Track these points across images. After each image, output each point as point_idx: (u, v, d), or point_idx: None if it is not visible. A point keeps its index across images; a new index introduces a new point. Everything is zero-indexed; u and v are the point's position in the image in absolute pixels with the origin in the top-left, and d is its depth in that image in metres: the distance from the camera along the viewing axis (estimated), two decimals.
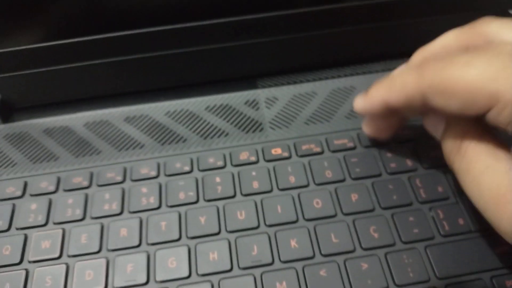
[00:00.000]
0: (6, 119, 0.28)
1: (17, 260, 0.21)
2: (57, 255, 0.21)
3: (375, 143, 0.24)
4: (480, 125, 0.16)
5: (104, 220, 0.22)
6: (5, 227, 0.22)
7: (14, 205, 0.23)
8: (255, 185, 0.23)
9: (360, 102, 0.20)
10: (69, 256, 0.21)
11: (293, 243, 0.21)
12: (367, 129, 0.23)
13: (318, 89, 0.28)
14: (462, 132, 0.16)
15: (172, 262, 0.20)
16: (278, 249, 0.21)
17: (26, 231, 0.22)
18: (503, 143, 0.16)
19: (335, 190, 0.22)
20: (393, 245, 0.21)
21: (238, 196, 0.23)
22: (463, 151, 0.16)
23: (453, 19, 0.21)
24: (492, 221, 0.15)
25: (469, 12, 0.29)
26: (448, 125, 0.17)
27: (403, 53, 0.22)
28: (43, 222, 0.22)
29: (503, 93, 0.13)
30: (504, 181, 0.14)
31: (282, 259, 0.20)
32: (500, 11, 0.31)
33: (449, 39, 0.18)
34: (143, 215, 0.22)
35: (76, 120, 0.27)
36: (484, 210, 0.15)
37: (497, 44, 0.15)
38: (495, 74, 0.14)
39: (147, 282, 0.20)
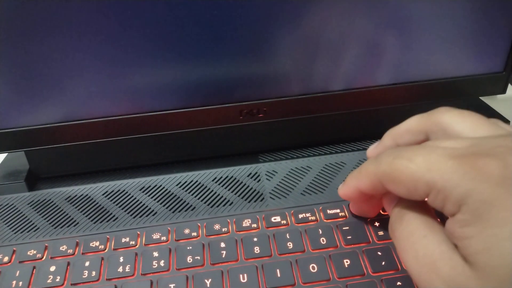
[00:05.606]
0: (32, 187, 0.31)
1: None
2: None
3: None
4: (424, 203, 0.19)
5: (117, 282, 0.24)
6: None
7: (34, 267, 0.25)
8: (256, 250, 0.25)
9: (341, 189, 0.24)
10: None
11: None
12: (353, 210, 0.27)
13: (313, 164, 0.32)
14: (408, 206, 0.19)
15: None
16: None
17: None
18: (439, 220, 0.19)
19: (329, 255, 0.25)
20: None
21: (241, 260, 0.25)
22: (405, 221, 0.19)
23: (431, 104, 0.25)
24: (423, 286, 0.17)
25: (447, 99, 0.33)
26: (398, 201, 0.21)
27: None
28: (60, 283, 0.24)
29: (436, 182, 0.17)
30: (437, 250, 0.17)
31: None
32: (473, 98, 0.36)
33: (411, 123, 0.22)
34: (154, 277, 0.24)
35: (96, 189, 0.30)
36: (418, 274, 0.17)
37: (434, 143, 0.19)
38: (430, 167, 0.17)
39: None
